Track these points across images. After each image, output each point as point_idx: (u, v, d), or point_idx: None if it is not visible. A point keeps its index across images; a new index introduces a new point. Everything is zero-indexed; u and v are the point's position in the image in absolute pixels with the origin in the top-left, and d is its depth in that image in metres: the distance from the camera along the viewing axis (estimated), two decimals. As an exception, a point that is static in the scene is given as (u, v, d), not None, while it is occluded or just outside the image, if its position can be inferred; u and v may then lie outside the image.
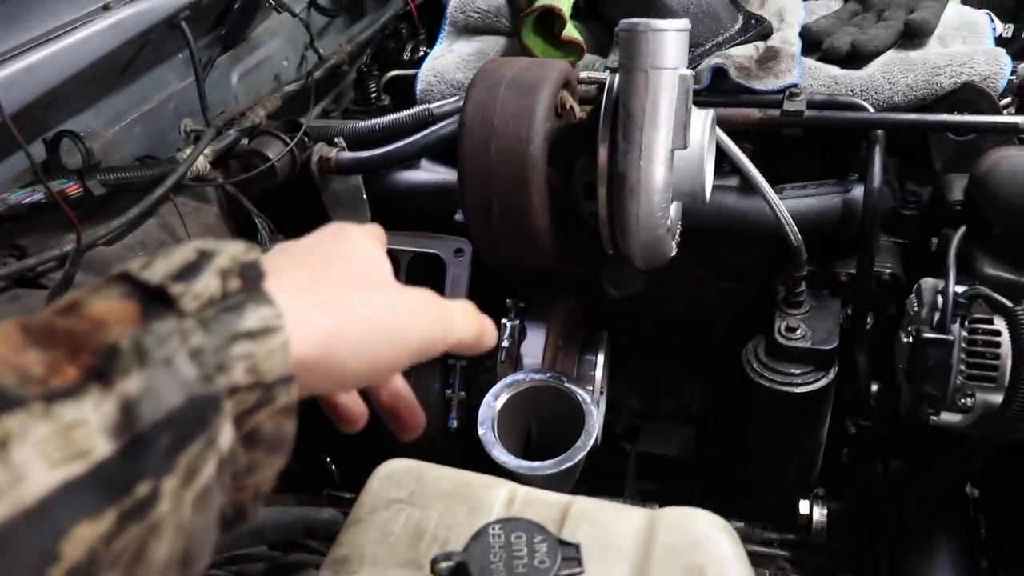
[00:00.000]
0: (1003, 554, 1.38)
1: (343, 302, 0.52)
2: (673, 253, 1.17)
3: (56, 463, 0.34)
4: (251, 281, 0.46)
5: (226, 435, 0.42)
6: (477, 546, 0.73)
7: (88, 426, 0.36)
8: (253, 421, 0.45)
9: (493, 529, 0.74)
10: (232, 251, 0.46)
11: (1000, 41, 1.52)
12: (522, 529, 0.74)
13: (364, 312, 0.53)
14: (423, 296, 0.58)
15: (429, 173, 1.48)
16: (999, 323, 1.13)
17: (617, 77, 1.07)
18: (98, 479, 0.36)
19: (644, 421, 1.72)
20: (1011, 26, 1.61)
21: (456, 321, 0.61)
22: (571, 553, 0.73)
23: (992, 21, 1.48)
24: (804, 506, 1.42)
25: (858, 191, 1.33)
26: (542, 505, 0.81)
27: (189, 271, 0.44)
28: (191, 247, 0.46)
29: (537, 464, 1.17)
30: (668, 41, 1.00)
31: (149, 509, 0.37)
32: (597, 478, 1.34)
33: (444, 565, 0.72)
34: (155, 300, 0.42)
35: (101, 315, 0.40)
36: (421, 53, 1.74)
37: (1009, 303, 1.07)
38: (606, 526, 0.78)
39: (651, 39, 0.99)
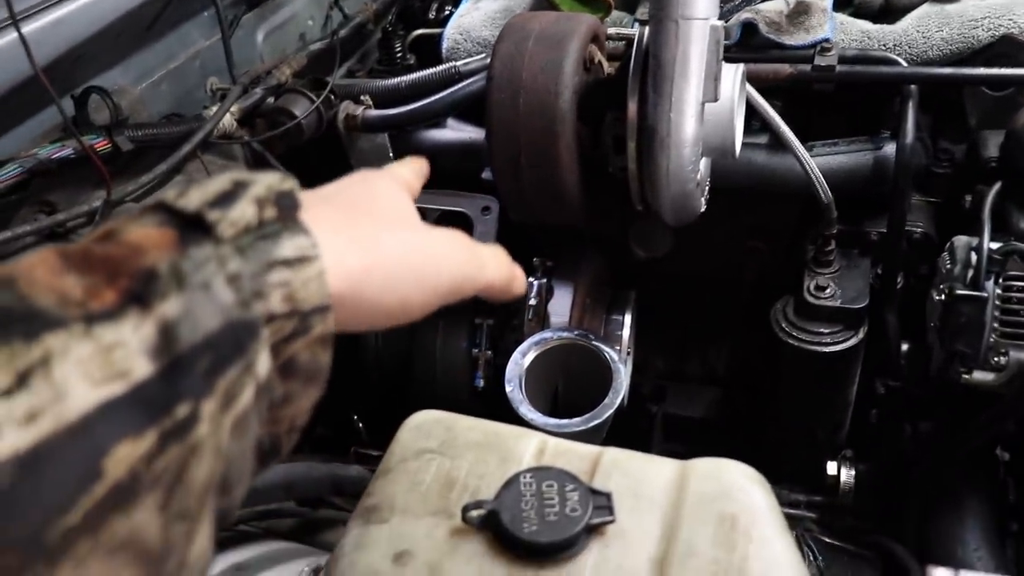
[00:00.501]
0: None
1: (375, 239, 0.52)
2: (702, 209, 1.16)
3: (98, 382, 0.34)
4: (287, 210, 0.46)
5: (263, 362, 0.42)
6: (508, 494, 0.72)
7: (128, 347, 0.36)
8: (290, 350, 0.45)
9: (524, 477, 0.73)
10: (268, 181, 0.47)
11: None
12: (553, 478, 0.74)
13: (395, 250, 0.53)
14: (454, 237, 0.58)
15: (456, 132, 1.47)
16: (1035, 279, 1.12)
17: (647, 29, 1.06)
18: (138, 399, 0.36)
19: (671, 382, 1.71)
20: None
21: (487, 263, 0.61)
22: (602, 502, 0.73)
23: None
24: (832, 467, 1.41)
25: (890, 148, 1.31)
26: (573, 455, 0.80)
27: (225, 199, 0.44)
28: (227, 177, 0.46)
29: (565, 421, 1.17)
30: (700, -11, 0.98)
31: (189, 430, 0.37)
32: (624, 439, 1.34)
33: (475, 513, 0.72)
34: (192, 227, 0.42)
35: (139, 241, 0.40)
36: (447, 12, 1.73)
37: (1044, 258, 1.06)
38: (638, 476, 0.78)
39: (683, -14, 0.97)
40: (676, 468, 0.79)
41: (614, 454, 0.81)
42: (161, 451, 0.36)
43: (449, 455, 0.81)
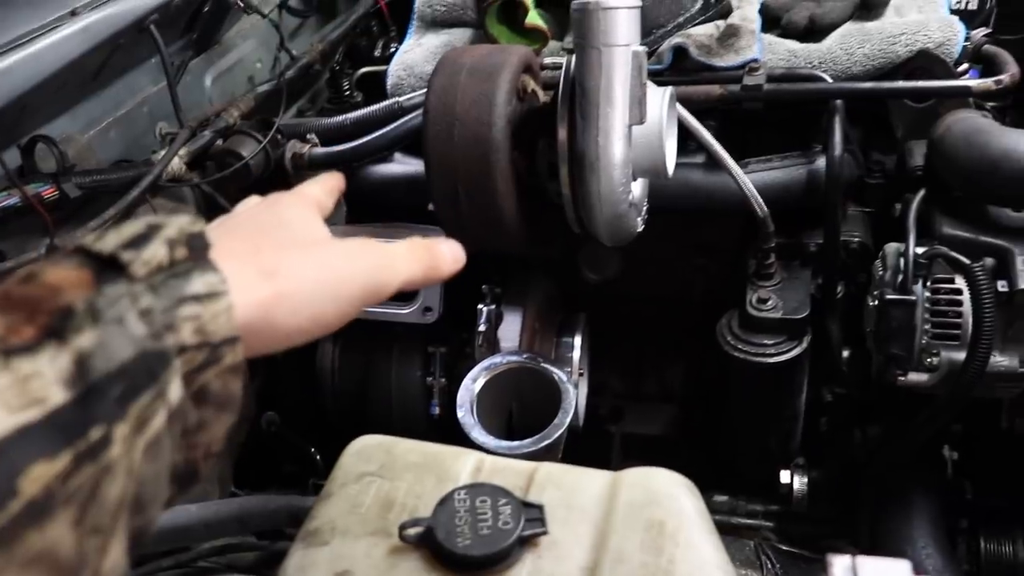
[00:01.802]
0: (983, 514, 1.41)
1: (282, 266, 0.54)
2: (639, 230, 1.19)
3: (14, 409, 0.37)
4: (197, 250, 0.49)
5: (175, 389, 0.45)
6: (443, 511, 0.75)
7: (44, 377, 0.39)
8: (202, 379, 0.48)
9: (459, 495, 0.76)
10: (179, 223, 0.50)
11: (965, 12, 1.54)
12: (487, 494, 0.76)
13: (302, 273, 0.55)
14: (360, 246, 0.60)
15: (402, 165, 1.50)
16: (960, 282, 1.15)
17: (573, 57, 1.09)
18: (53, 424, 0.38)
19: (628, 402, 1.74)
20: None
21: (398, 263, 0.62)
22: (535, 514, 0.75)
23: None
24: (785, 476, 1.44)
25: (822, 162, 1.35)
26: (509, 472, 0.83)
27: (139, 241, 0.47)
28: (142, 221, 0.49)
29: (515, 444, 1.19)
30: (619, 19, 1.02)
31: (101, 452, 0.40)
32: (584, 460, 1.36)
33: (412, 531, 0.74)
34: (107, 267, 0.45)
35: (57, 282, 0.43)
36: (392, 49, 1.76)
37: (966, 260, 1.10)
38: (570, 488, 0.81)
39: (602, 17, 1.01)
40: (608, 479, 0.81)
41: (548, 468, 0.83)
42: (75, 471, 0.39)
43: (388, 477, 0.84)
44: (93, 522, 0.40)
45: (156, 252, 0.47)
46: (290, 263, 0.55)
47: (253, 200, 0.66)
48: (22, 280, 0.44)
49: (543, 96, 1.27)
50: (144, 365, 0.43)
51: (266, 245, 0.56)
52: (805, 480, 1.42)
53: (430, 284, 0.66)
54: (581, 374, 1.47)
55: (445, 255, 0.66)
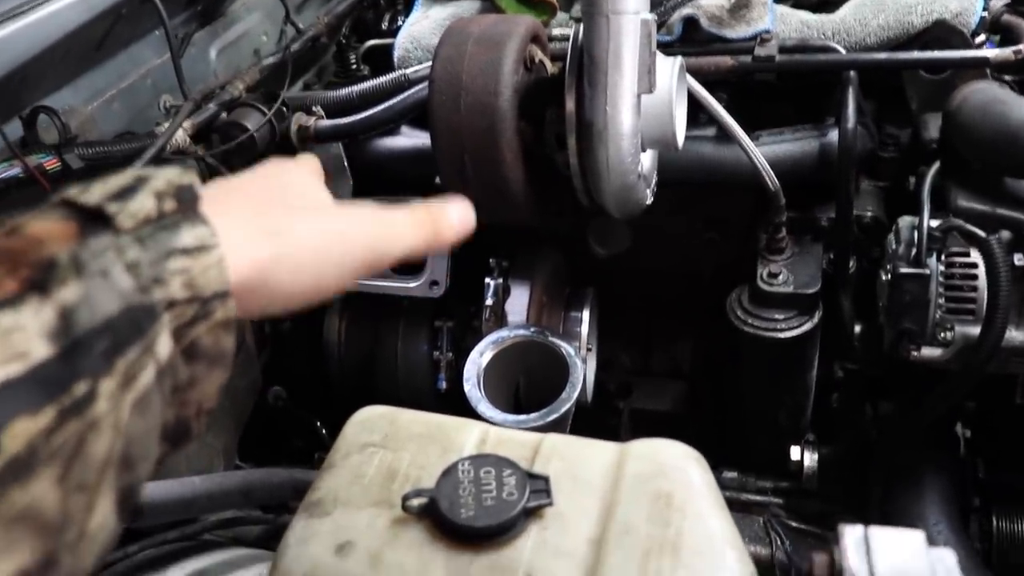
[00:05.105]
0: (996, 492, 1.39)
1: (282, 226, 0.53)
2: (648, 202, 1.17)
3: None
4: (187, 202, 0.48)
5: (164, 344, 0.44)
6: (447, 482, 0.74)
7: (27, 331, 0.38)
8: (192, 334, 0.47)
9: (463, 465, 0.75)
10: (168, 175, 0.48)
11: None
12: (491, 464, 0.75)
13: (304, 235, 0.54)
14: (364, 214, 0.59)
15: (409, 138, 1.49)
16: (975, 255, 1.14)
17: (581, 26, 1.07)
18: (37, 378, 0.37)
19: (637, 377, 1.73)
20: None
21: (401, 231, 0.61)
22: (540, 486, 0.74)
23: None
24: (795, 452, 1.42)
25: (834, 135, 1.33)
26: (514, 443, 0.82)
27: (125, 193, 0.46)
28: (129, 173, 0.48)
29: (523, 417, 1.18)
30: (628, -17, 1.00)
31: (87, 407, 0.39)
32: (592, 436, 1.35)
33: (415, 501, 0.73)
34: (92, 219, 0.44)
35: (40, 234, 0.42)
36: (399, 21, 1.74)
37: (982, 233, 1.08)
38: (576, 460, 0.79)
39: (611, -19, 0.99)
40: (614, 450, 0.80)
41: (554, 440, 0.82)
42: (59, 426, 0.38)
43: (392, 447, 0.83)
44: (78, 479, 0.39)
45: (143, 204, 0.46)
46: (291, 225, 0.54)
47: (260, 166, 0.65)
48: (5, 233, 0.43)
49: (551, 67, 1.26)
50: (131, 319, 0.42)
51: (269, 206, 0.55)
52: (815, 457, 1.41)
53: (435, 251, 0.65)
54: (589, 349, 1.46)
55: (450, 221, 0.65)
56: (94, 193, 0.45)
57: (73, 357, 0.39)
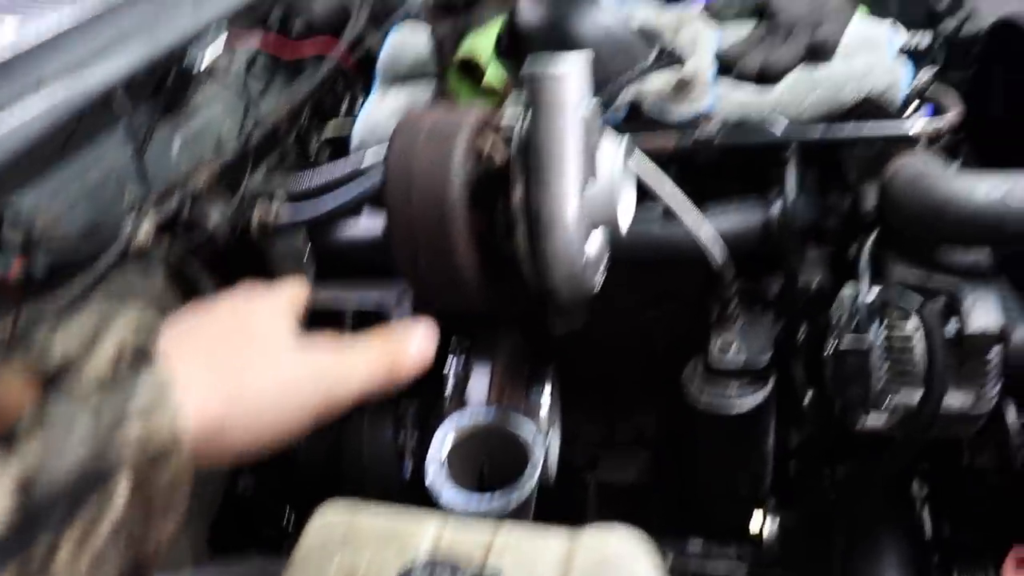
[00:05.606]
0: (956, 550, 1.42)
1: (236, 379, 0.56)
2: (597, 288, 1.21)
3: None
4: (145, 355, 0.51)
5: (119, 499, 0.47)
6: (402, 590, 0.76)
7: None
8: (147, 488, 0.49)
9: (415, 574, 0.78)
10: (129, 323, 0.51)
11: (915, 51, 1.57)
12: (445, 571, 0.78)
13: (260, 387, 0.57)
14: (322, 358, 0.61)
15: (369, 222, 1.52)
16: (912, 324, 1.17)
17: (525, 119, 1.12)
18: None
19: (603, 449, 1.75)
20: (929, 33, 1.65)
21: (358, 372, 0.64)
22: (492, 585, 0.77)
23: (896, 32, 1.52)
24: (756, 519, 1.45)
25: (778, 208, 1.38)
26: (468, 541, 0.84)
27: (85, 349, 0.49)
28: (91, 319, 0.51)
29: (484, 501, 1.20)
30: (566, 83, 1.04)
31: (47, 565, 0.42)
32: (560, 511, 1.37)
33: (372, 606, 0.76)
34: (53, 383, 0.48)
35: (2, 398, 0.45)
36: (359, 104, 1.79)
37: (915, 303, 1.12)
38: (529, 553, 0.82)
39: (549, 83, 1.04)
40: (565, 541, 0.83)
41: (508, 534, 0.84)
42: None
43: (352, 546, 0.85)
44: None
45: (100, 364, 0.49)
46: (245, 377, 0.56)
47: (228, 297, 0.66)
48: None
49: (504, 153, 1.30)
50: (88, 480, 0.45)
51: (227, 354, 0.57)
52: (776, 523, 1.43)
53: (389, 387, 0.67)
54: (552, 424, 1.48)
55: (407, 354, 0.68)
56: (55, 354, 0.48)
57: (33, 520, 0.42)
